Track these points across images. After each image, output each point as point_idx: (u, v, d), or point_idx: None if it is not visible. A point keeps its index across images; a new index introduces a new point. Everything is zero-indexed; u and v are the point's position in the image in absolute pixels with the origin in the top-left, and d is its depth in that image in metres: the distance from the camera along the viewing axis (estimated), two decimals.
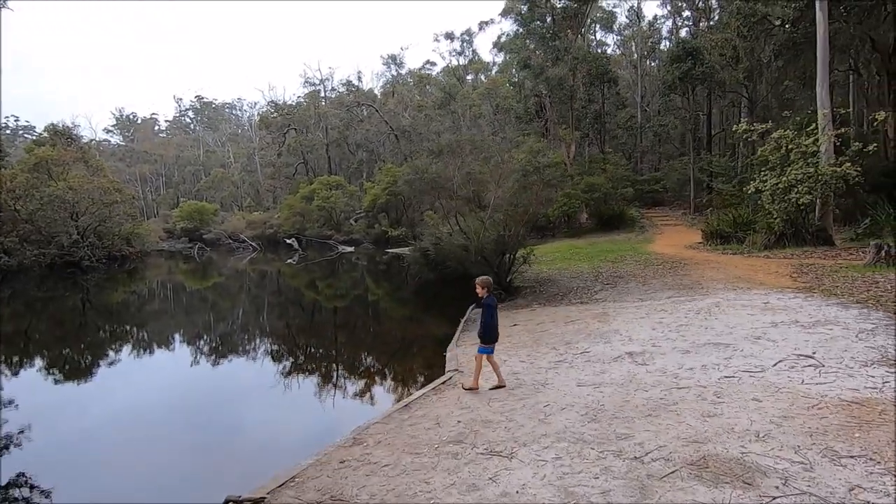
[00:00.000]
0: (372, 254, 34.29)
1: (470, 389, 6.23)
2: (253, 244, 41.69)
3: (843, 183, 14.95)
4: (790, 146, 15.60)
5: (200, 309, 18.94)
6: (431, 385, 6.70)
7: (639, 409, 4.88)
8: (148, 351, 12.64)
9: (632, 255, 17.22)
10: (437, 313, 14.27)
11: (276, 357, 11.15)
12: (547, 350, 7.53)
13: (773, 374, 5.39)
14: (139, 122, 77.96)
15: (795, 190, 15.27)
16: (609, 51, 39.02)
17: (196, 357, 11.84)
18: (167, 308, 19.14)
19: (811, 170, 15.07)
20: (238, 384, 9.50)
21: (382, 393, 8.35)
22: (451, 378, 6.91)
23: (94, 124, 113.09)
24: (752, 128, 16.62)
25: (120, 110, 77.83)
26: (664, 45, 35.76)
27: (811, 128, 15.62)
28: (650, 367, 6.11)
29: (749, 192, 16.35)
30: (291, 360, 10.91)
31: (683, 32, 31.09)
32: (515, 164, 11.43)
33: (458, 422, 5.11)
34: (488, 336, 6.20)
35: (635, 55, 38.98)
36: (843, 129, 15.96)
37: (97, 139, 70.76)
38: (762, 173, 16.29)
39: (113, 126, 74.87)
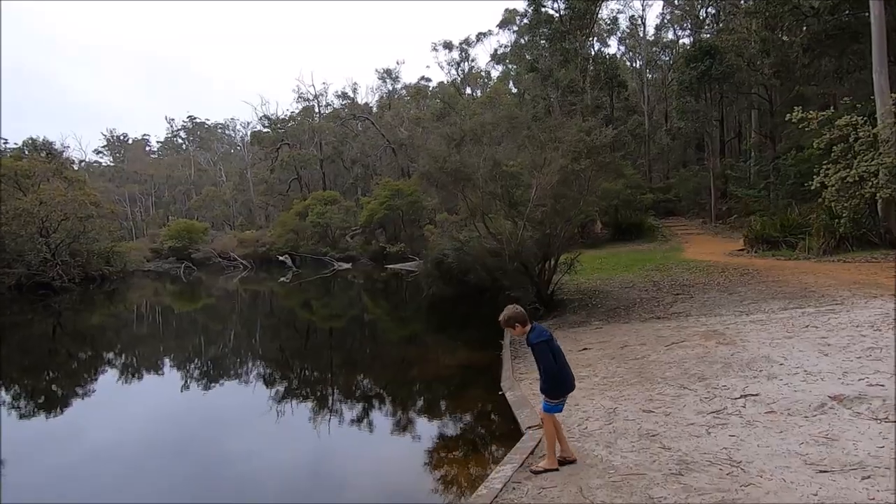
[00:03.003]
0: (369, 271, 31.45)
1: (545, 471, 3.67)
2: (244, 263, 38.59)
3: None
4: (860, 133, 13.23)
5: (186, 334, 15.91)
6: (514, 461, 3.92)
7: None
8: (129, 379, 10.05)
9: (674, 263, 14.63)
10: (458, 334, 11.49)
11: (279, 393, 8.25)
12: (673, 390, 4.79)
13: None
14: (130, 142, 74.98)
15: (870, 183, 12.84)
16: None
17: (183, 386, 9.19)
18: (149, 333, 16.09)
19: (889, 159, 12.66)
20: (231, 416, 7.35)
21: (413, 446, 5.51)
22: (538, 442, 4.14)
23: (85, 145, 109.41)
24: (810, 115, 14.24)
25: (111, 131, 74.90)
26: (680, 44, 33.88)
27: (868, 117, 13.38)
28: None
29: (812, 187, 13.85)
30: (302, 398, 8.00)
31: (699, 32, 29.11)
32: (562, 144, 8.72)
33: None
34: (558, 388, 3.70)
35: (638, 63, 37.25)
36: None
37: (87, 160, 67.82)
38: (824, 167, 13.87)
39: (103, 147, 71.80)
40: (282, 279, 30.01)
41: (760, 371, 4.88)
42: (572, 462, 3.74)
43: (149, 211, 62.28)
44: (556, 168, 9.59)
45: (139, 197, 61.91)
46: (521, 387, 6.02)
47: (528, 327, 3.73)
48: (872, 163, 12.85)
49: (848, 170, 13.28)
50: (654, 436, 3.94)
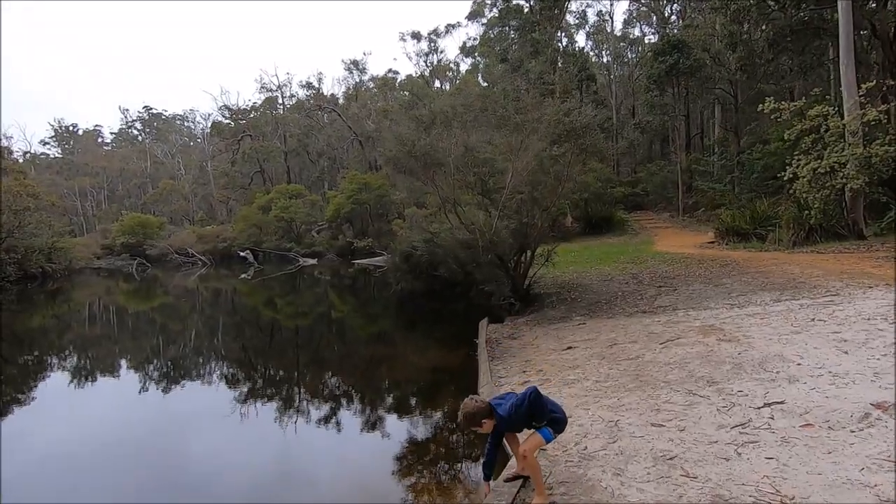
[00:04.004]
0: (336, 267, 30.18)
1: None
2: (203, 259, 36.54)
3: (893, 167, 12.49)
4: (831, 125, 13.06)
5: (143, 334, 14.38)
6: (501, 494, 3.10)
7: None
8: (81, 383, 8.85)
9: (648, 256, 14.21)
10: (429, 332, 10.64)
11: (242, 394, 7.16)
12: (681, 397, 4.07)
13: None
14: (80, 133, 70.35)
15: (840, 174, 12.69)
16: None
17: (141, 388, 8.13)
18: (101, 334, 14.48)
19: (858, 150, 12.52)
20: (193, 418, 6.72)
21: (381, 461, 4.63)
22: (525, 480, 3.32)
23: (30, 136, 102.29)
24: (782, 105, 14.02)
25: (59, 121, 70.12)
26: (646, 41, 33.88)
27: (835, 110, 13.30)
28: None
29: (785, 178, 13.63)
30: (278, 405, 6.93)
31: (664, 28, 29.03)
32: (541, 125, 7.96)
33: None
34: (561, 423, 3.11)
35: (606, 58, 37.16)
36: (883, 106, 13.56)
37: (32, 151, 63.28)
38: (796, 158, 13.67)
39: (51, 138, 67.10)
40: (243, 276, 28.41)
41: (777, 373, 4.21)
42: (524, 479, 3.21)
43: (101, 205, 58.59)
44: (533, 153, 8.82)
45: (90, 191, 58.12)
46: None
47: (494, 420, 3.03)
48: (843, 153, 12.70)
49: (819, 160, 13.10)
50: (671, 458, 3.18)
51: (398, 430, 5.65)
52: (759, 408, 3.66)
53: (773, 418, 3.48)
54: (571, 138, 8.38)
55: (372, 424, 5.98)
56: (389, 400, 6.98)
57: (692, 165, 25.99)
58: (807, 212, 13.63)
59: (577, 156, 8.71)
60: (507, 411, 3.00)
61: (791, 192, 14.36)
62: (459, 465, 4.71)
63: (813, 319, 5.48)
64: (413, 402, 6.71)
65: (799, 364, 4.32)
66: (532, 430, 3.06)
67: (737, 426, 3.44)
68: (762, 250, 13.82)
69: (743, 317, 6.19)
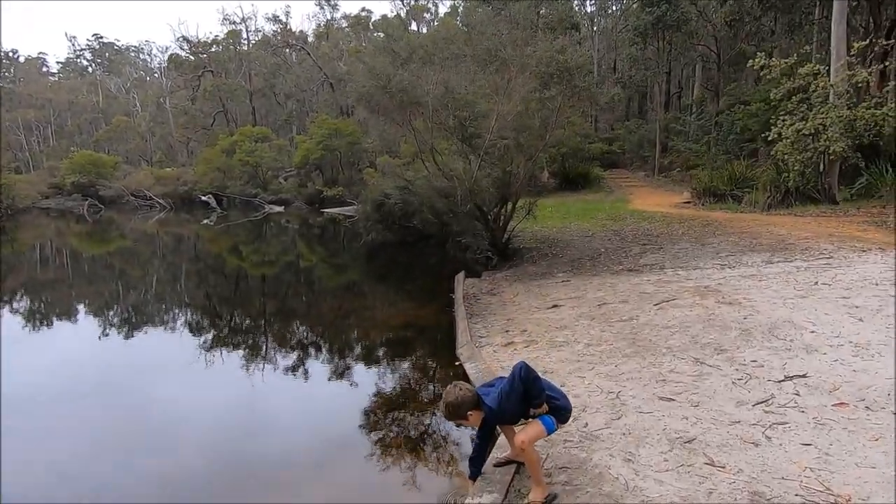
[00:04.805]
0: (304, 215, 28.88)
1: None
2: (162, 202, 34.41)
3: (878, 130, 12.24)
4: (820, 84, 12.61)
5: (100, 279, 13.17)
6: (493, 491, 2.57)
7: None
8: (36, 327, 8.22)
9: (626, 214, 13.81)
10: (400, 285, 10.00)
11: (206, 342, 6.42)
12: (688, 366, 3.60)
13: None
14: (22, 60, 63.85)
15: (824, 137, 12.37)
16: None
17: (101, 334, 7.52)
18: (54, 278, 13.18)
19: (844, 112, 12.18)
20: (156, 364, 6.35)
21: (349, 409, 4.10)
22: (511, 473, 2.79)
23: None
24: (772, 63, 13.44)
25: None
26: None
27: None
28: None
29: (769, 138, 13.25)
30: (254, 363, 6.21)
31: None
32: (531, 61, 7.11)
33: None
34: (564, 411, 2.57)
35: (590, 8, 35.54)
36: (873, 67, 13.16)
37: None
38: (781, 118, 13.26)
39: None
40: (205, 221, 26.89)
41: (791, 341, 3.78)
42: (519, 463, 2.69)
43: (49, 141, 54.22)
44: (520, 95, 7.98)
45: (36, 125, 53.49)
46: (484, 356, 4.68)
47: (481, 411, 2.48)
48: (829, 115, 12.34)
49: (804, 122, 12.73)
50: (689, 441, 2.70)
51: (365, 382, 5.23)
52: (779, 381, 3.22)
53: (798, 394, 3.03)
54: (564, 80, 7.56)
55: (339, 375, 5.56)
56: (358, 351, 6.47)
57: (669, 124, 25.51)
58: (785, 174, 13.40)
59: (569, 99, 7.92)
60: (495, 401, 2.41)
61: (772, 153, 14.06)
62: (429, 421, 4.25)
63: (816, 283, 5.09)
64: (381, 355, 6.15)
65: (813, 332, 3.90)
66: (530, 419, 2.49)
67: (759, 403, 2.98)
68: (738, 212, 13.62)
69: (738, 278, 5.78)
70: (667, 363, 3.74)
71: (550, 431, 2.47)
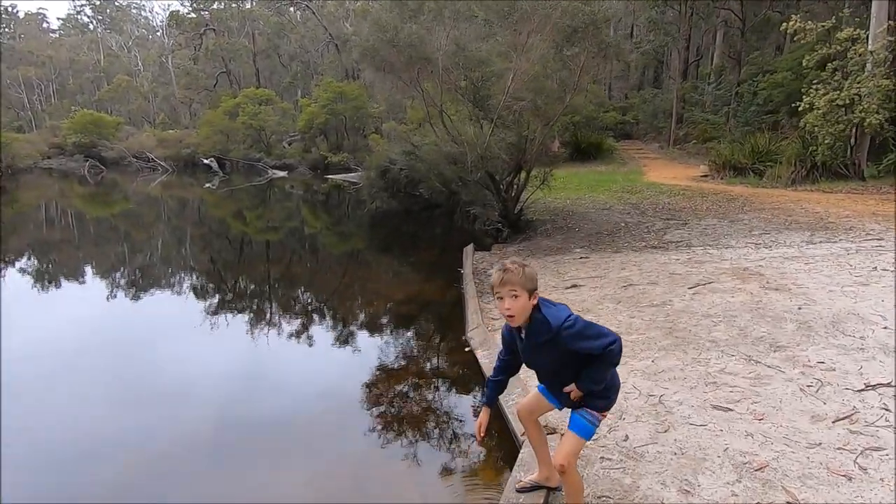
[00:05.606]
0: (308, 181, 28.14)
1: None
2: (164, 165, 33.67)
3: None
4: (859, 50, 11.64)
5: (106, 241, 12.70)
6: None
7: None
8: (45, 287, 8.06)
9: (642, 186, 13.08)
10: (405, 257, 9.43)
11: (211, 305, 5.96)
12: (740, 366, 3.05)
13: None
14: (21, 16, 61.86)
15: (860, 108, 11.47)
16: None
17: (109, 295, 7.42)
18: (60, 238, 12.76)
19: (884, 82, 11.24)
20: (164, 325, 6.22)
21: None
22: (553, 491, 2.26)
23: None
24: (808, 26, 12.39)
25: None
26: None
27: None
28: None
29: (800, 108, 12.35)
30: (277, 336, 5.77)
31: None
32: (553, 13, 6.32)
33: None
34: (609, 398, 1.90)
35: None
36: None
37: None
38: (814, 86, 12.32)
39: None
40: (208, 185, 26.24)
41: (863, 338, 3.21)
42: (555, 490, 2.16)
43: (51, 100, 53.06)
44: (539, 52, 7.19)
45: (38, 83, 52.23)
46: (497, 341, 4.14)
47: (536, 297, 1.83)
48: (867, 84, 11.40)
49: (838, 92, 11.81)
50: (760, 469, 2.16)
51: (369, 350, 4.93)
52: (859, 391, 2.66)
53: (887, 409, 2.48)
54: (590, 35, 6.75)
55: (342, 342, 5.31)
56: (361, 321, 6.06)
57: (686, 94, 24.28)
58: (812, 148, 12.57)
59: (594, 58, 7.13)
60: (557, 318, 1.77)
61: (800, 125, 13.17)
62: (433, 395, 3.81)
63: (875, 268, 4.48)
64: (385, 327, 5.66)
65: (886, 327, 3.32)
66: (564, 428, 1.92)
67: (841, 419, 2.43)
68: (760, 187, 12.86)
69: (780, 259, 5.17)
70: (714, 361, 3.19)
71: (591, 434, 1.90)
